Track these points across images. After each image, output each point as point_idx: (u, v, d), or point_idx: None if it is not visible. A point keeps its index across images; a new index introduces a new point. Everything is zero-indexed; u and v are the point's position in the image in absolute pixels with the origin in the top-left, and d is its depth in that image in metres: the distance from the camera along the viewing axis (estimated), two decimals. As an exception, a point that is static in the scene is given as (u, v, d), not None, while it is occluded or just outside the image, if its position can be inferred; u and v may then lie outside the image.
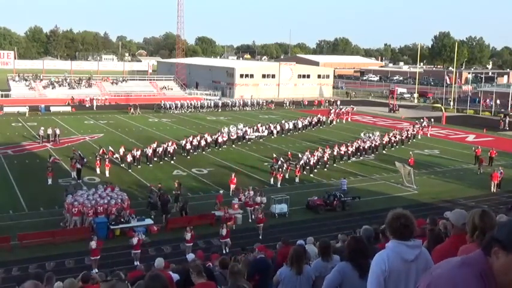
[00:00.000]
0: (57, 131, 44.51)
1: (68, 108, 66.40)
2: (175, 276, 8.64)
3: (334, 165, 38.13)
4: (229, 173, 35.11)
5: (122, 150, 36.70)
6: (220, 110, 69.27)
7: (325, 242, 7.67)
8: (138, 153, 36.56)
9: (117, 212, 24.42)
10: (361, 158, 41.11)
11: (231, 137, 45.32)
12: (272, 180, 33.05)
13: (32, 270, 18.99)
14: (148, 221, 24.19)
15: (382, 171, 37.07)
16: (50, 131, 44.22)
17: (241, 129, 47.66)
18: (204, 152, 40.97)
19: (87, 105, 69.23)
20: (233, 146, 44.43)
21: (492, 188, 32.87)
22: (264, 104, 74.10)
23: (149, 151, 37.07)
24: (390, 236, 4.11)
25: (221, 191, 28.80)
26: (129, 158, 35.45)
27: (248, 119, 60.14)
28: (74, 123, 55.05)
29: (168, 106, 67.27)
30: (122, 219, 23.84)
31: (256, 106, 73.27)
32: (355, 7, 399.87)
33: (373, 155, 42.09)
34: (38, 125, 49.50)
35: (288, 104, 75.89)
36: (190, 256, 15.98)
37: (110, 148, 37.08)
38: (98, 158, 34.51)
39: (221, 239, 22.15)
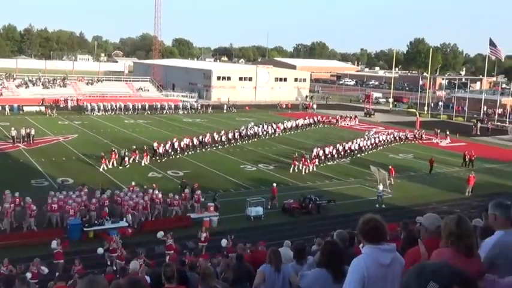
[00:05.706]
0: (32, 132, 43.71)
1: (42, 109, 65.28)
2: (148, 279, 8.58)
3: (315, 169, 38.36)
4: (206, 175, 35.04)
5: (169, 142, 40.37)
6: (149, 113, 65.93)
7: (300, 245, 7.74)
8: (185, 141, 41.24)
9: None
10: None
11: (248, 134, 48.98)
12: (292, 168, 36.63)
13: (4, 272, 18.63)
14: (123, 223, 23.96)
15: (357, 174, 37.38)
16: (23, 132, 43.37)
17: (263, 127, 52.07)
18: (179, 155, 40.73)
19: (61, 106, 68.10)
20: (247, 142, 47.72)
21: (467, 192, 33.46)
22: (199, 107, 72.11)
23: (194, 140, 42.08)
24: (364, 241, 4.14)
25: (275, 184, 30.14)
26: (169, 149, 39.50)
27: (224, 121, 60.13)
28: (47, 123, 54.23)
29: (89, 108, 64.53)
30: (96, 222, 23.59)
31: (191, 110, 70.66)
32: (332, 12, 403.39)
33: (349, 158, 42.49)
34: (10, 125, 48.55)
35: (225, 108, 73.70)
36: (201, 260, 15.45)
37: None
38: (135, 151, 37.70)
39: (200, 243, 22.07)
